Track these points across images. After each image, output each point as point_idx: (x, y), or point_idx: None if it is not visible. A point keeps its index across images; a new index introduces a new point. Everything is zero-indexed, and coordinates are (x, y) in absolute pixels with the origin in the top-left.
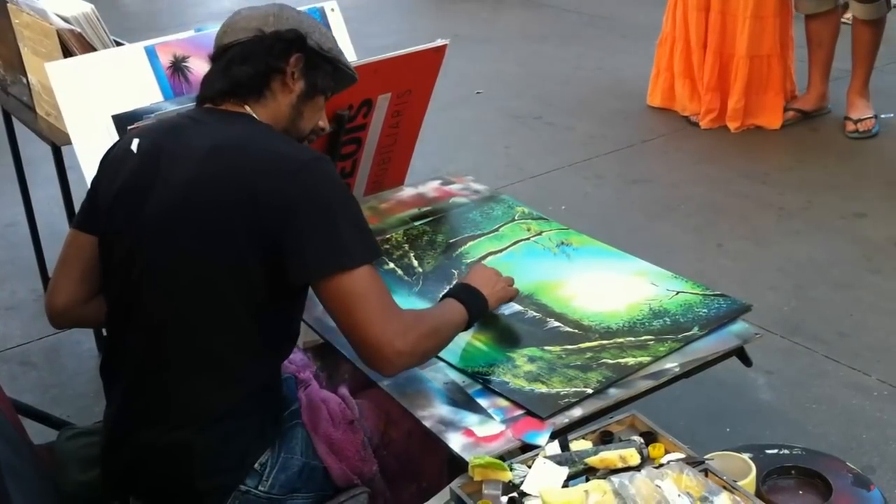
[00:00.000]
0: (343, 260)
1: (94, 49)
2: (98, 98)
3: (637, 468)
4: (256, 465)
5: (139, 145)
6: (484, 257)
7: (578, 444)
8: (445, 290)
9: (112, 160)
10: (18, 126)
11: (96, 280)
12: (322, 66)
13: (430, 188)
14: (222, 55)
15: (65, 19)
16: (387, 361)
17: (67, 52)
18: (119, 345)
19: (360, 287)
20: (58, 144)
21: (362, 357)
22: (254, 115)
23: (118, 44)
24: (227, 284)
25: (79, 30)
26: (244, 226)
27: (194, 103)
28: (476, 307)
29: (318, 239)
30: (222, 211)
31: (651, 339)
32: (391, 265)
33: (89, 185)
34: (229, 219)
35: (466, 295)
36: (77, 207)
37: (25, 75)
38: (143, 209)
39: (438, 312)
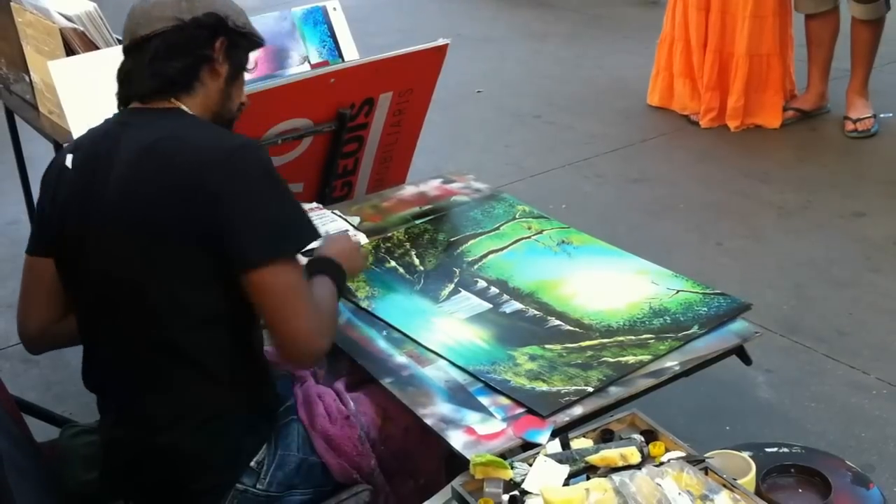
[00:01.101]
0: (278, 248)
1: (96, 47)
2: (100, 96)
3: (637, 466)
4: (253, 464)
5: (73, 160)
6: (485, 256)
7: (579, 443)
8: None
9: (50, 180)
10: (21, 124)
11: (63, 300)
12: (241, 43)
13: (432, 186)
14: (140, 48)
15: (68, 18)
16: (309, 357)
17: (70, 51)
18: (97, 357)
19: (294, 279)
20: (60, 142)
21: (286, 352)
22: (183, 107)
23: (120, 42)
24: (177, 287)
25: (81, 28)
26: (180, 224)
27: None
28: (342, 285)
29: (250, 227)
30: (157, 211)
31: (651, 338)
32: (392, 263)
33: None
34: (165, 218)
35: (336, 273)
36: None
37: (28, 73)
38: (87, 221)
39: (327, 297)
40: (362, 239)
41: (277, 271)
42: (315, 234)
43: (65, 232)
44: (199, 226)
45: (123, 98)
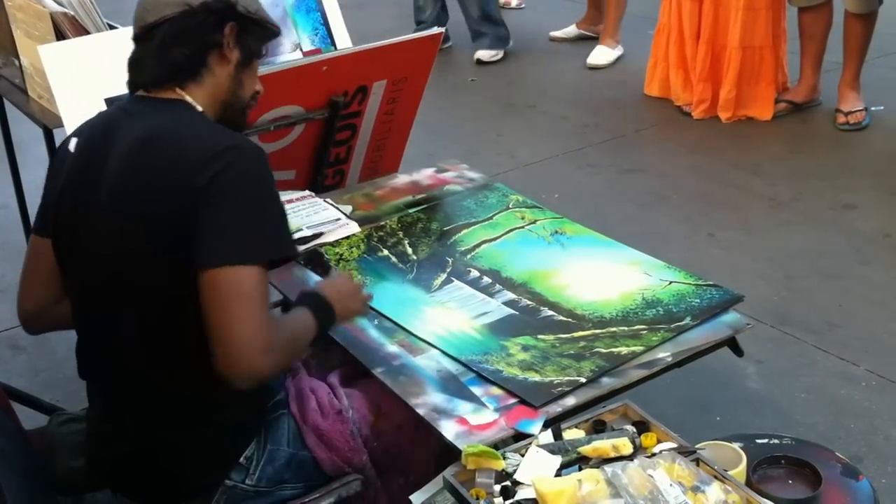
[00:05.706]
0: (235, 252)
1: (87, 32)
2: (91, 81)
3: (629, 457)
4: (242, 460)
5: (77, 144)
6: (478, 245)
7: (571, 433)
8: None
9: (56, 162)
10: (10, 108)
11: (61, 283)
12: (251, 28)
13: (425, 175)
14: (149, 35)
15: (58, 2)
16: (243, 371)
17: (60, 35)
18: (89, 348)
19: (246, 287)
20: (49, 127)
21: (219, 358)
22: (188, 99)
23: (111, 27)
24: (162, 280)
25: (72, 13)
26: (167, 219)
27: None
28: (326, 324)
29: (218, 226)
30: (146, 204)
31: (644, 329)
32: (385, 252)
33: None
34: (153, 211)
35: (319, 309)
36: None
37: (18, 58)
38: (81, 209)
39: (295, 327)
40: (354, 227)
41: (231, 275)
42: (289, 250)
43: (60, 217)
44: (182, 222)
45: (131, 86)
